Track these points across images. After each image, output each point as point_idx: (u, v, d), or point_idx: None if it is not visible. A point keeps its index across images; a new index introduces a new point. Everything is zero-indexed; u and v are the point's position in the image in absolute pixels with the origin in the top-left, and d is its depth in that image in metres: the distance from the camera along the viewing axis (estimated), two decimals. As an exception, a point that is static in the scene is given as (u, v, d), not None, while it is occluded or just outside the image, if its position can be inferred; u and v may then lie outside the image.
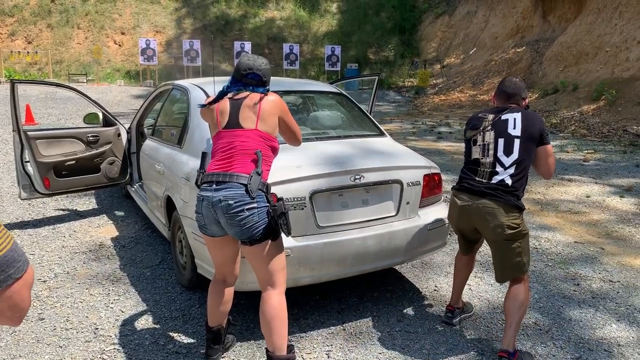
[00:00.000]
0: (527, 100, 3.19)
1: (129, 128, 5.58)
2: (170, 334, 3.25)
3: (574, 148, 10.28)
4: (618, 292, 3.88)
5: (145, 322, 3.39)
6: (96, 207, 5.95)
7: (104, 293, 3.80)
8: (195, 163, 3.57)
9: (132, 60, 25.69)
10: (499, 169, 2.93)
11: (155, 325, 3.35)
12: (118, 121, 5.52)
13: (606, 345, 3.16)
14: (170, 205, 3.99)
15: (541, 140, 2.98)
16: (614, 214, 5.89)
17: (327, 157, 3.45)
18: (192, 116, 3.91)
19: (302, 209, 3.16)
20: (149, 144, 4.70)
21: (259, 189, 2.60)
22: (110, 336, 3.21)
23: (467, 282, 3.67)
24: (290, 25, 28.58)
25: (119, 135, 5.47)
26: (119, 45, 26.88)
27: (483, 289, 3.93)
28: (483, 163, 2.98)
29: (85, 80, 23.25)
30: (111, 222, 5.40)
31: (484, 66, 21.29)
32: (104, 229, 5.17)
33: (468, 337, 3.25)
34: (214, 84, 3.42)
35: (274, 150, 2.80)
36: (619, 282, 4.06)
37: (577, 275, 4.19)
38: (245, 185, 2.56)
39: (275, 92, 4.41)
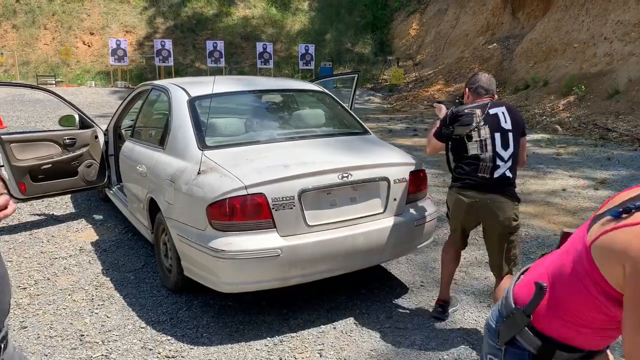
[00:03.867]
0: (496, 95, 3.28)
1: (106, 130, 5.48)
2: (159, 338, 3.20)
3: (547, 142, 10.47)
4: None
5: (132, 327, 3.33)
6: (73, 211, 5.83)
7: (87, 298, 3.72)
8: (179, 164, 3.54)
9: (102, 61, 25.19)
10: (499, 163, 2.99)
11: (143, 330, 3.30)
12: (95, 123, 5.41)
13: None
14: (153, 207, 3.93)
15: (523, 131, 3.11)
16: (589, 205, 6.03)
17: (314, 155, 3.45)
18: (174, 117, 3.86)
19: (291, 208, 3.15)
20: (128, 145, 4.61)
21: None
22: (97, 342, 3.15)
23: (455, 278, 3.71)
24: (263, 24, 28.41)
25: (96, 137, 5.36)
26: (88, 46, 26.34)
27: (468, 283, 3.98)
28: (483, 158, 3.03)
29: (54, 82, 22.72)
30: (90, 226, 5.30)
31: (456, 63, 21.52)
32: (83, 233, 5.07)
33: (458, 331, 3.29)
34: (213, 84, 3.39)
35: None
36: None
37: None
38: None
39: (259, 91, 4.41)
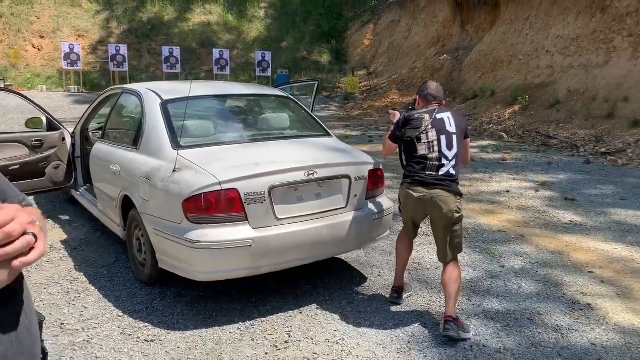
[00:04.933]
0: (444, 102, 3.70)
1: (73, 132, 5.60)
2: (137, 325, 3.42)
3: (493, 149, 11.10)
4: (537, 271, 4.42)
5: (110, 316, 3.53)
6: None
7: (63, 292, 3.88)
8: (154, 163, 3.77)
9: (53, 65, 24.67)
10: (444, 162, 3.38)
11: (120, 318, 3.50)
12: (62, 125, 5.52)
13: (529, 315, 3.64)
14: (126, 205, 4.13)
15: (466, 134, 3.53)
16: (531, 205, 6.54)
17: (282, 155, 3.75)
18: (148, 119, 4.08)
19: (262, 202, 3.43)
20: (100, 147, 4.78)
21: None
22: (78, 330, 3.34)
23: (408, 268, 4.07)
24: (220, 31, 28.52)
25: (64, 139, 5.48)
26: (38, 50, 25.73)
27: (421, 272, 4.35)
28: (430, 158, 3.40)
29: (2, 86, 22.11)
30: (57, 226, 5.40)
31: (409, 73, 22.24)
32: (51, 233, 5.17)
33: (412, 313, 3.64)
34: (190, 88, 3.64)
35: None
36: (537, 262, 4.61)
37: (502, 258, 4.71)
38: None
39: (229, 95, 4.69)
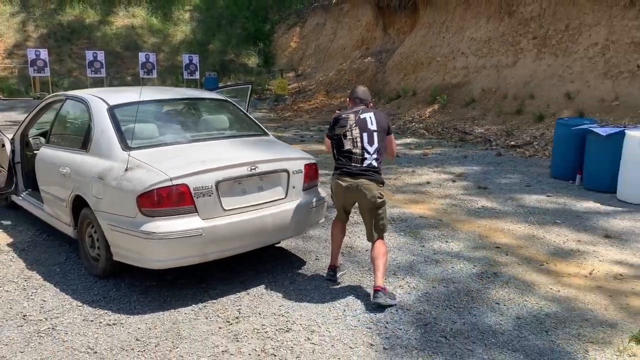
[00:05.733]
0: (372, 103, 4.23)
1: (12, 139, 5.69)
2: (97, 312, 3.71)
3: (415, 145, 11.89)
4: (452, 248, 5.06)
5: (70, 306, 3.80)
6: (-23, 218, 5.94)
7: (19, 289, 4.09)
8: (105, 163, 4.06)
9: (-36, 69, 23.49)
10: (366, 155, 3.91)
11: (80, 308, 3.78)
12: (2, 132, 5.62)
13: (445, 283, 4.24)
14: (76, 205, 4.37)
15: (388, 131, 4.06)
16: (448, 194, 7.26)
17: (226, 152, 4.16)
18: (96, 123, 4.36)
19: (210, 195, 3.82)
20: (47, 151, 4.95)
21: None
22: (41, 320, 3.59)
23: (342, 251, 4.58)
24: (144, 34, 28.12)
25: (3, 145, 5.58)
26: (-53, 54, 24.40)
27: (353, 254, 4.87)
28: (355, 152, 3.93)
29: None
30: (1, 230, 5.50)
31: (336, 75, 22.96)
32: (-5, 237, 5.28)
33: (346, 288, 4.15)
34: (140, 92, 3.95)
35: None
36: (452, 241, 5.26)
37: (423, 239, 5.32)
38: None
39: (173, 99, 5.04)
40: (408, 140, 12.79)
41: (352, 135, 3.95)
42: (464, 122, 13.88)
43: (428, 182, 8.00)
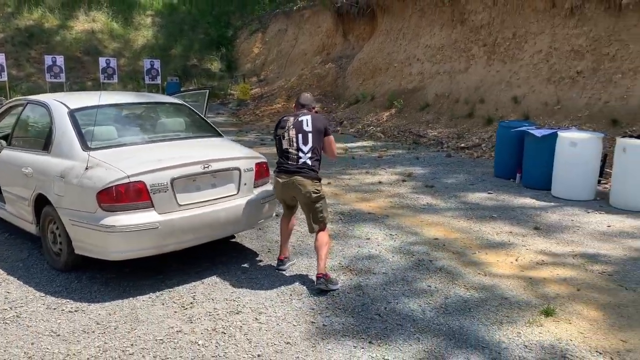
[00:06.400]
0: (316, 108, 4.61)
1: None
2: (60, 301, 3.98)
3: (372, 148, 12.36)
4: (395, 242, 5.48)
5: (33, 297, 4.05)
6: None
7: (-17, 283, 4.31)
8: (67, 163, 4.32)
9: None
10: (301, 154, 4.28)
11: (43, 298, 4.03)
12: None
13: (384, 270, 4.64)
14: (38, 204, 4.61)
15: (325, 132, 4.44)
16: (398, 193, 7.71)
17: (181, 152, 4.48)
18: (57, 126, 4.62)
19: (165, 191, 4.13)
20: (8, 153, 5.14)
21: None
22: (6, 309, 3.83)
23: (291, 243, 4.94)
24: (105, 39, 27.96)
25: (-36, 148, 5.73)
26: None
27: (302, 246, 5.23)
28: (291, 152, 4.30)
29: None
30: (-39, 231, 5.66)
31: (297, 80, 23.35)
32: (-44, 237, 5.44)
33: (294, 276, 4.51)
34: (100, 97, 4.23)
35: None
36: (396, 234, 5.68)
37: (369, 233, 5.73)
38: None
39: (131, 103, 5.32)
40: (365, 143, 13.25)
41: (289, 135, 4.33)
42: (419, 126, 14.45)
43: (380, 182, 8.44)
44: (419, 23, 17.60)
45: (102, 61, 23.48)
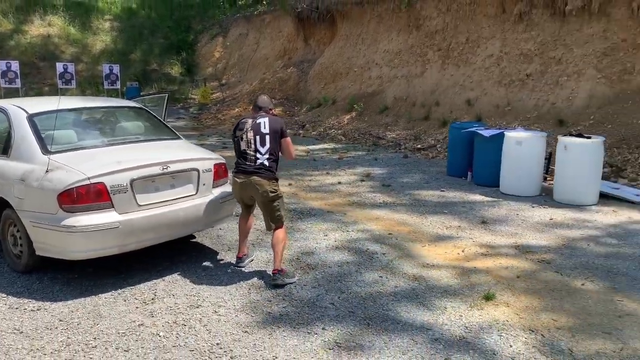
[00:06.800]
0: (274, 110, 4.82)
1: None
2: (22, 301, 4.07)
3: (333, 150, 12.63)
4: (351, 237, 5.73)
5: (-6, 298, 4.12)
6: None
7: (-58, 286, 4.35)
8: (27, 167, 4.41)
9: None
10: (259, 155, 4.46)
11: (5, 299, 4.12)
12: None
13: (339, 263, 4.88)
14: (-3, 207, 4.68)
15: (282, 134, 4.62)
16: (356, 192, 7.98)
17: (140, 154, 4.62)
18: (16, 130, 4.70)
19: (125, 192, 4.27)
20: (-34, 158, 5.18)
21: None
22: (-33, 310, 3.90)
23: (250, 240, 5.13)
24: (62, 44, 27.48)
25: None
26: None
27: (262, 244, 5.42)
28: (249, 153, 4.49)
29: None
30: None
31: (259, 84, 23.50)
32: None
33: (253, 272, 4.71)
34: (59, 101, 4.33)
35: None
36: (351, 230, 5.94)
37: (327, 230, 5.96)
38: None
39: (91, 108, 5.41)
40: (327, 145, 13.52)
41: (247, 137, 4.52)
42: (378, 128, 14.82)
43: (339, 182, 8.70)
44: (377, 28, 18.01)
45: (59, 66, 23.09)
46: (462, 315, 3.86)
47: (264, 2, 27.46)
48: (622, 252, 5.21)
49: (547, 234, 5.81)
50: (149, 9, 31.91)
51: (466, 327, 3.68)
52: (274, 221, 4.52)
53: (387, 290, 4.32)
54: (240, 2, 31.20)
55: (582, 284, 4.45)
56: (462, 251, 5.26)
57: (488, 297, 4.12)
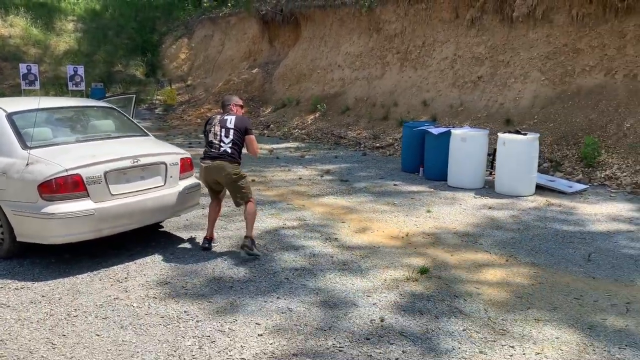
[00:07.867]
0: (242, 109, 5.37)
1: None
2: (4, 282, 4.49)
3: (296, 149, 13.18)
4: (307, 223, 6.29)
5: (-21, 280, 4.53)
6: None
7: None
8: (7, 160, 4.82)
9: None
10: (223, 144, 5.04)
11: (-11, 281, 4.52)
12: None
13: (295, 246, 5.43)
14: (-21, 199, 5.06)
15: (246, 132, 5.19)
16: (314, 186, 8.54)
17: (112, 149, 5.09)
18: (-6, 127, 5.09)
19: (100, 183, 4.73)
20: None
21: None
22: (-45, 290, 4.30)
23: (218, 228, 5.64)
24: (24, 44, 27.27)
25: None
26: None
27: (227, 232, 5.94)
28: (214, 142, 5.07)
29: None
30: None
31: (225, 85, 23.85)
32: None
33: (218, 253, 5.22)
34: (39, 101, 4.76)
35: None
36: (308, 219, 6.50)
37: (285, 218, 6.51)
38: None
39: (65, 107, 5.83)
40: (290, 144, 14.06)
41: (214, 130, 5.11)
42: (340, 128, 15.44)
43: (300, 178, 9.25)
44: (339, 31, 18.63)
45: (22, 67, 22.96)
46: (398, 286, 4.48)
47: (229, 4, 27.78)
48: (544, 233, 5.93)
49: (481, 219, 6.50)
50: (112, 10, 31.86)
51: (401, 295, 4.29)
52: (242, 198, 5.10)
53: (336, 266, 4.89)
54: (205, 4, 31.47)
55: (507, 260, 5.12)
56: (406, 235, 5.88)
57: (423, 271, 4.74)
